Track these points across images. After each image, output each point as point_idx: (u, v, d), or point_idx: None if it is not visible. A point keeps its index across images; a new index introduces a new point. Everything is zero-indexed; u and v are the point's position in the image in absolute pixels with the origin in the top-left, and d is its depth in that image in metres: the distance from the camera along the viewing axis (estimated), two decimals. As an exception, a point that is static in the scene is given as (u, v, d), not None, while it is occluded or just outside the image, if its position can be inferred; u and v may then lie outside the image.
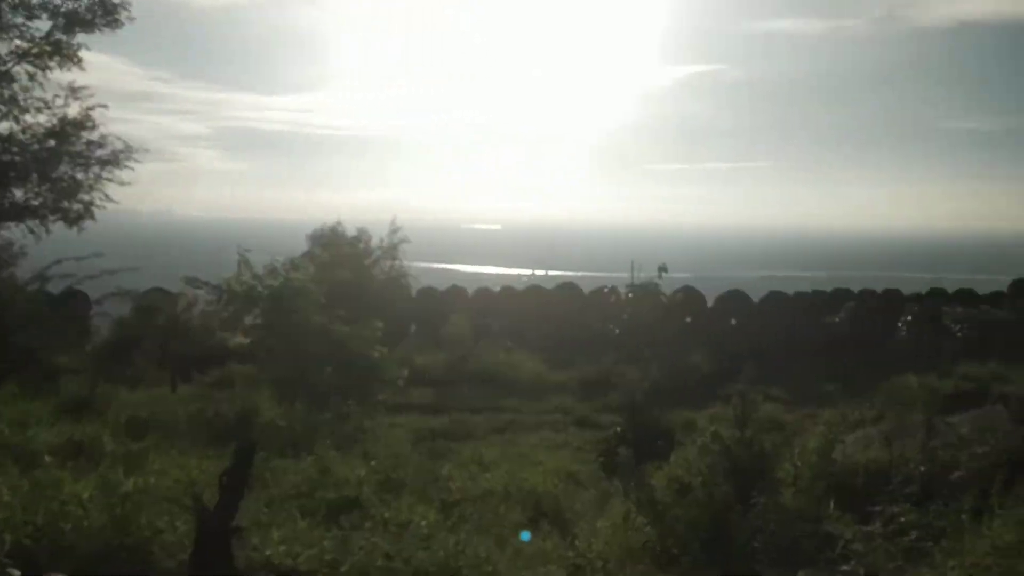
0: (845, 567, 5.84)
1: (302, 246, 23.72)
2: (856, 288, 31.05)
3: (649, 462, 10.12)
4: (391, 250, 24.70)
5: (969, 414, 11.38)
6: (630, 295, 27.79)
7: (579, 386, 21.92)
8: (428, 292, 29.90)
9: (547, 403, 20.38)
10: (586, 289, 30.42)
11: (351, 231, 24.30)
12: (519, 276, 69.28)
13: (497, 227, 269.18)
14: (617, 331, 27.04)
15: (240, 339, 19.84)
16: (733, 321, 29.16)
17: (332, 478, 9.44)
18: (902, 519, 6.26)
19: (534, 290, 31.50)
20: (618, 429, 15.04)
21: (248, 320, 18.03)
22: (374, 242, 24.52)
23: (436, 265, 79.52)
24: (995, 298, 29.35)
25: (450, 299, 29.59)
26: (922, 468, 8.06)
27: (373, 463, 10.60)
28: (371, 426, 14.89)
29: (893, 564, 5.79)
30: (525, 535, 8.47)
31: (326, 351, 16.38)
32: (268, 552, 6.52)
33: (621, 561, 7.51)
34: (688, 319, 28.70)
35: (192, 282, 18.69)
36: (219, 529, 5.75)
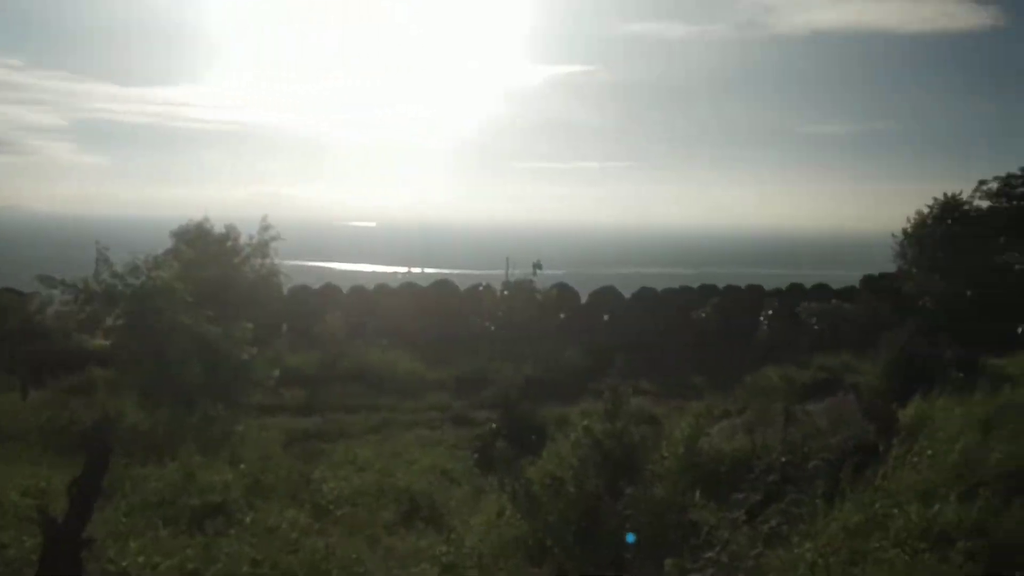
0: (709, 553, 6.03)
1: (166, 244, 22.69)
2: (721, 284, 32.23)
3: (524, 457, 10.22)
4: (261, 248, 23.94)
5: (824, 403, 11.93)
6: (505, 292, 27.95)
7: (455, 383, 21.88)
8: (301, 291, 29.26)
9: (423, 401, 20.26)
10: (462, 287, 30.43)
11: (219, 228, 23.43)
12: (395, 274, 68.66)
13: (372, 224, 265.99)
14: (493, 328, 27.13)
15: (100, 341, 18.85)
16: (606, 317, 29.76)
17: (197, 484, 9.10)
18: (762, 506, 6.52)
19: (409, 288, 31.29)
20: (493, 425, 15.13)
21: (109, 321, 17.11)
22: (244, 239, 23.72)
23: (310, 263, 78.05)
24: (847, 293, 31.00)
25: (324, 297, 29.03)
26: (783, 459, 8.41)
27: (241, 467, 10.29)
28: (240, 429, 14.43)
29: (753, 549, 6.01)
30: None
31: (193, 352, 15.75)
32: (124, 563, 6.23)
33: (495, 556, 7.54)
34: (562, 315, 29.09)
35: (46, 281, 17.55)
36: (68, 541, 5.40)
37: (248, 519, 7.79)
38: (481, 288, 29.64)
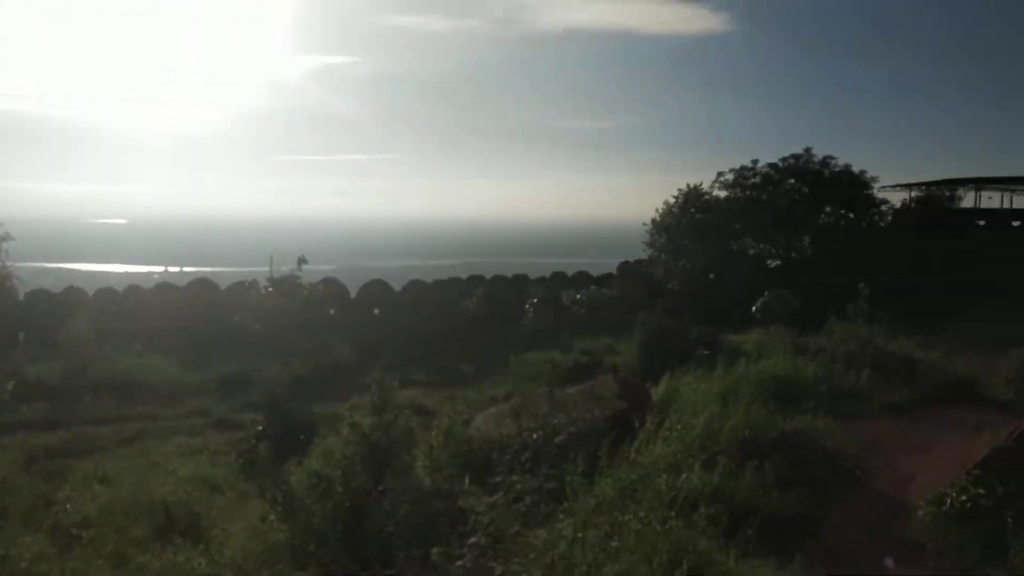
0: (473, 539, 6.10)
1: None
2: (489, 274, 32.95)
3: (294, 457, 9.91)
4: (-11, 249, 21.64)
5: (585, 385, 12.47)
6: (270, 289, 27.03)
7: (218, 386, 20.83)
8: (39, 295, 26.81)
9: (183, 407, 19.11)
10: (223, 285, 29.06)
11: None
12: (150, 274, 64.42)
13: (123, 221, 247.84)
14: (258, 327, 26.15)
15: None
16: (376, 311, 29.55)
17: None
18: (519, 487, 6.69)
19: (165, 288, 29.45)
20: (259, 427, 14.54)
21: None
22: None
23: (53, 265, 71.89)
24: (606, 279, 32.72)
25: (67, 301, 26.67)
26: (534, 436, 8.68)
27: (-33, 493, 9.21)
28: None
29: (512, 529, 6.15)
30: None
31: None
32: None
33: (258, 564, 7.23)
34: (332, 311, 28.60)
35: None
36: None
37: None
38: (245, 285, 28.47)
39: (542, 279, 32.65)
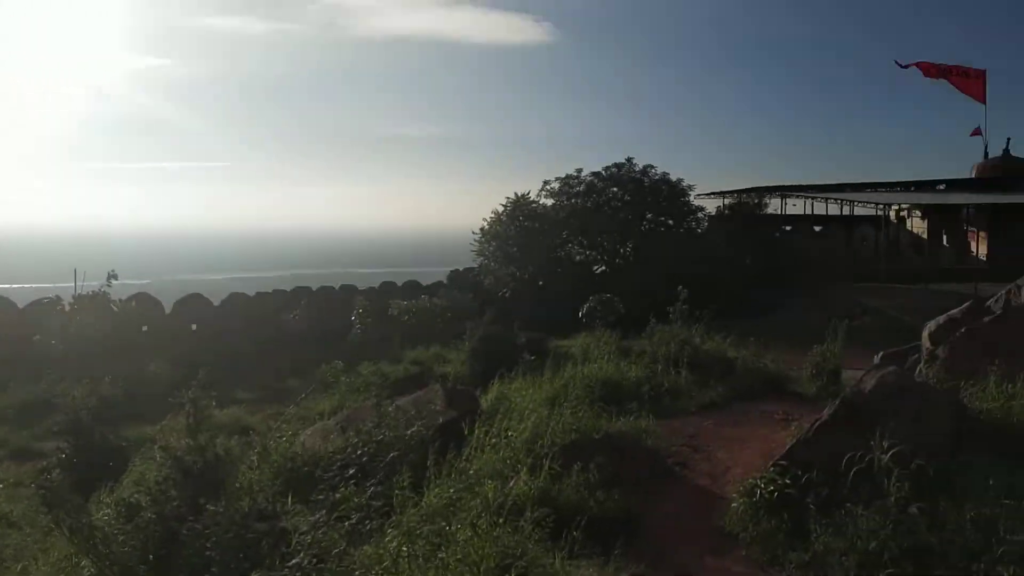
0: (294, 559, 5.85)
1: None
2: (316, 285, 32.19)
3: (100, 487, 9.25)
4: None
5: (414, 395, 12.32)
6: (75, 306, 25.20)
7: (16, 412, 19.17)
8: None
9: (-26, 437, 17.44)
10: (21, 303, 26.85)
11: None
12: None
13: None
14: (63, 347, 24.30)
15: None
16: (194, 326, 28.23)
17: None
18: (343, 504, 6.48)
19: (-50, 308, 26.91)
20: (62, 455, 13.46)
21: None
22: None
23: None
24: (436, 288, 32.68)
25: None
26: (358, 451, 8.48)
27: None
28: None
29: (337, 548, 5.94)
30: None
31: None
32: None
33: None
34: (145, 327, 27.06)
35: None
36: None
37: None
38: (46, 302, 26.41)
39: (371, 289, 32.23)
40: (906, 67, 45.82)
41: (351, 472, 7.40)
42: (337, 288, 32.04)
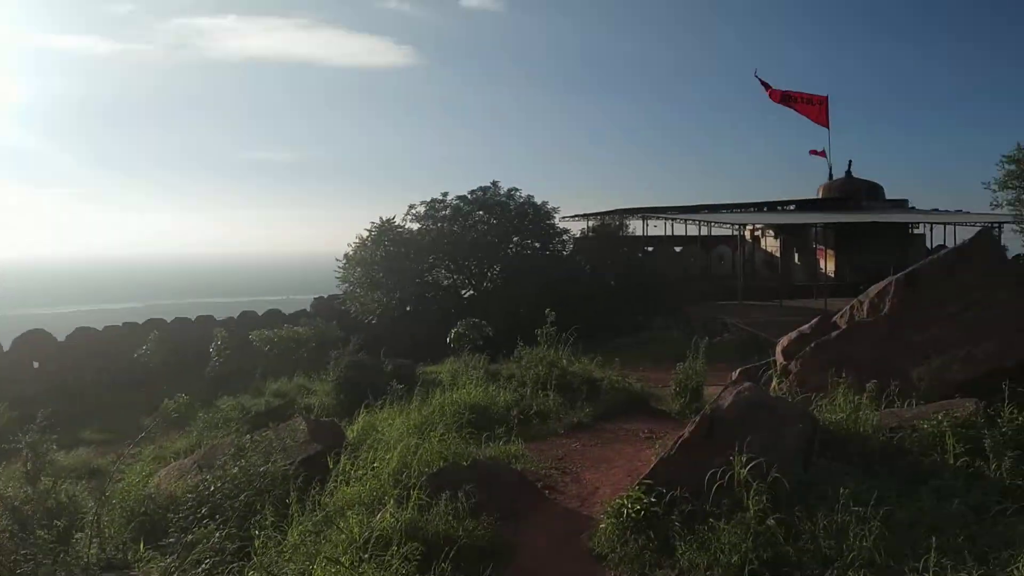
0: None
1: None
2: (171, 317, 30.80)
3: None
4: None
5: (276, 428, 11.87)
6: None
7: None
8: None
9: None
10: None
11: None
12: None
13: None
14: None
15: None
16: (36, 364, 26.45)
17: None
18: (196, 547, 6.13)
19: None
20: None
21: None
22: None
23: None
24: (299, 316, 31.85)
25: None
26: (212, 488, 8.08)
27: None
28: None
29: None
30: None
31: None
32: None
33: None
34: (-21, 367, 25.17)
35: None
36: None
37: None
38: None
39: (230, 319, 31.16)
40: (764, 84, 47.36)
41: (204, 512, 7.00)
42: (193, 319, 30.79)
